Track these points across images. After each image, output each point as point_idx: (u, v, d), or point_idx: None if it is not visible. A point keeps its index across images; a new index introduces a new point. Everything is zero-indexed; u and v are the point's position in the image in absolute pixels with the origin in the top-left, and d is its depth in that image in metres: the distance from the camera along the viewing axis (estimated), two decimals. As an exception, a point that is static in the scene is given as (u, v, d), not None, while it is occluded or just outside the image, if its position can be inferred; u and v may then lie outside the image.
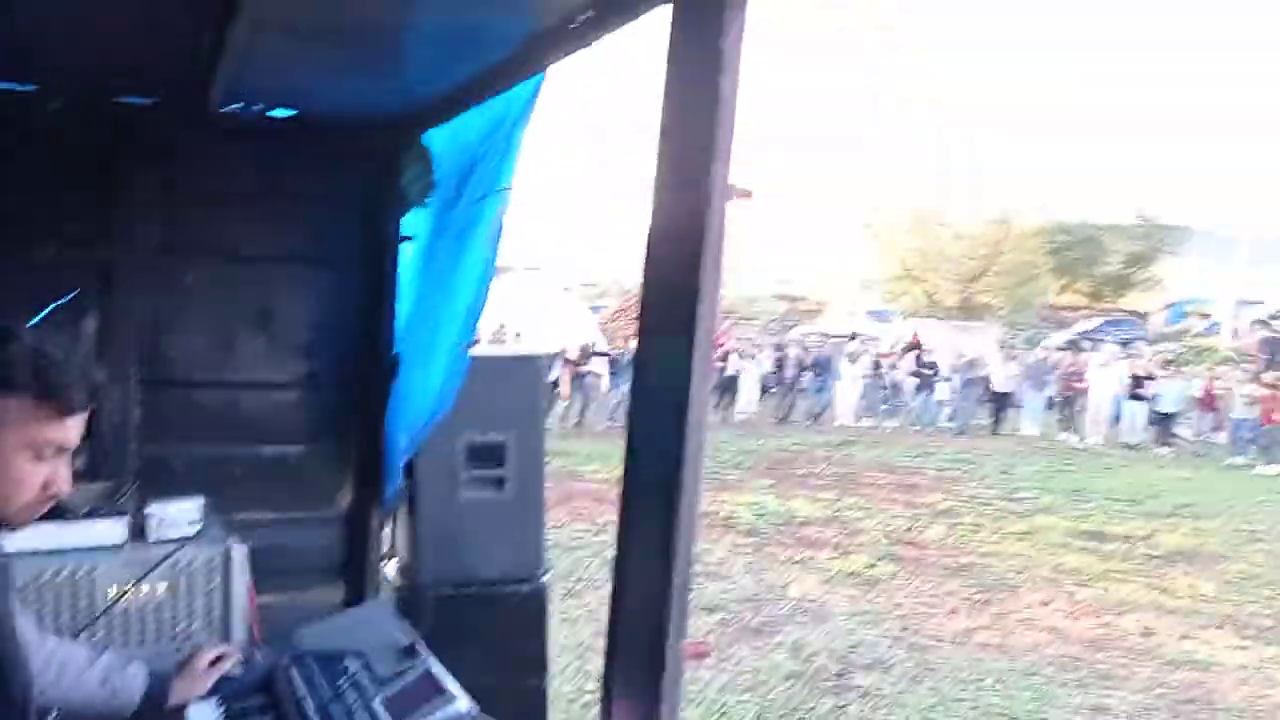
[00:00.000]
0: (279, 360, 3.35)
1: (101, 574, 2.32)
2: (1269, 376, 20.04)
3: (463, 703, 1.86)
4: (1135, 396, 20.12)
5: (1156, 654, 8.04)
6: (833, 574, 9.93)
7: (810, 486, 14.12)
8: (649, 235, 1.53)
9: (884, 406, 22.22)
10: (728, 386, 20.82)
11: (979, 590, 9.62)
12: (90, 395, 1.53)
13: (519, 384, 3.35)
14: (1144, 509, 13.70)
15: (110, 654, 2.10)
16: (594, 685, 6.79)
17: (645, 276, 1.54)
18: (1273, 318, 31.21)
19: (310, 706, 1.98)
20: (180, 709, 2.11)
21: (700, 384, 1.45)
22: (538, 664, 3.29)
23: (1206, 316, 35.79)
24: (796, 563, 10.14)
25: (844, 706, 6.72)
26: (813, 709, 6.64)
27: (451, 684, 1.93)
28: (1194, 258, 37.25)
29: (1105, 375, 21.01)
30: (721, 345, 22.57)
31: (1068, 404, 21.36)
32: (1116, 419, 20.49)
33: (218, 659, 2.22)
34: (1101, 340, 30.94)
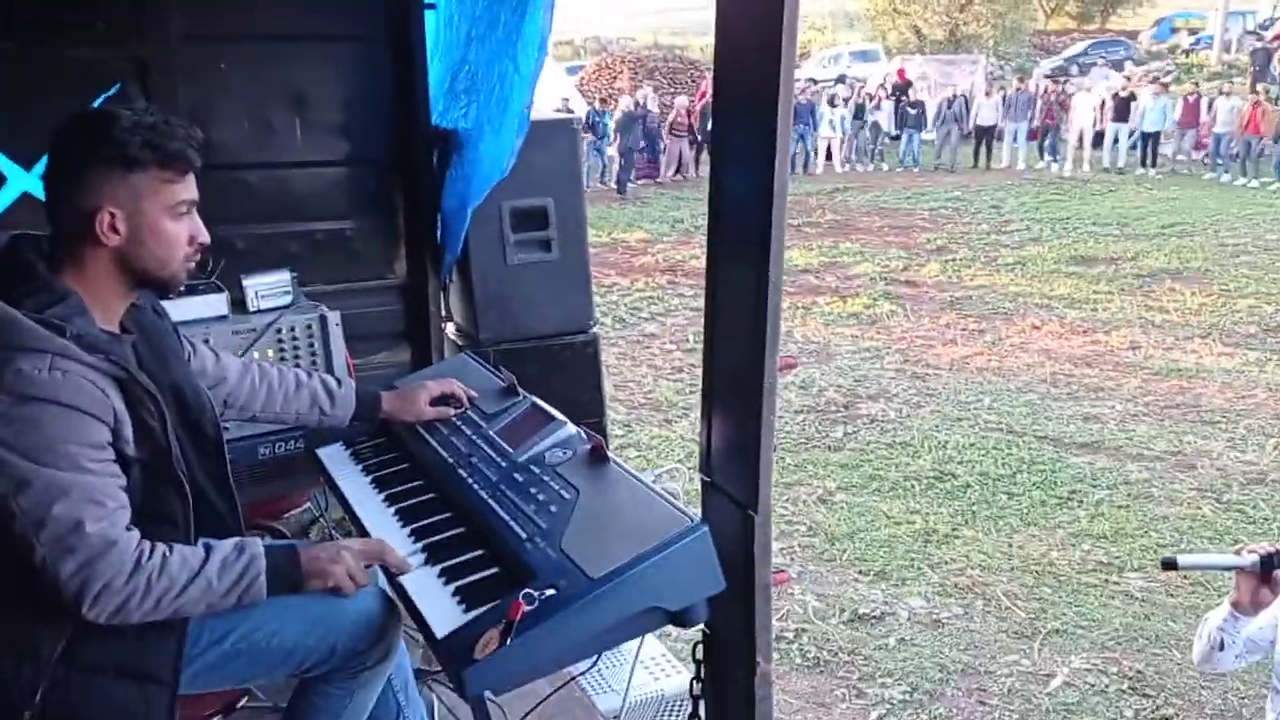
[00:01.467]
0: (319, 139, 3.48)
1: (215, 342, 2.55)
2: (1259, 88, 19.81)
3: (570, 426, 2.14)
4: (1119, 119, 19.87)
5: (1144, 366, 8.54)
6: (834, 316, 10.34)
7: (805, 235, 14.35)
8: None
9: (871, 149, 21.97)
10: (696, 144, 20.33)
11: (974, 320, 10.06)
12: (199, 151, 1.70)
13: (555, 148, 3.47)
14: (1130, 231, 14.01)
15: (319, 378, 2.26)
16: (630, 422, 7.33)
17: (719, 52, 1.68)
18: (1263, 27, 30.39)
19: (434, 441, 2.26)
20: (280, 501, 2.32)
21: (783, 150, 1.62)
22: (596, 405, 3.59)
23: (1196, 31, 34.86)
24: (800, 308, 10.51)
25: (854, 433, 7.25)
26: (826, 437, 7.17)
27: (556, 412, 2.21)
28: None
29: (1086, 100, 20.59)
30: (703, 97, 22.14)
31: (1050, 133, 21.05)
32: (1100, 143, 20.29)
33: (444, 398, 2.35)
34: (1091, 64, 30.33)
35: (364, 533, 2.05)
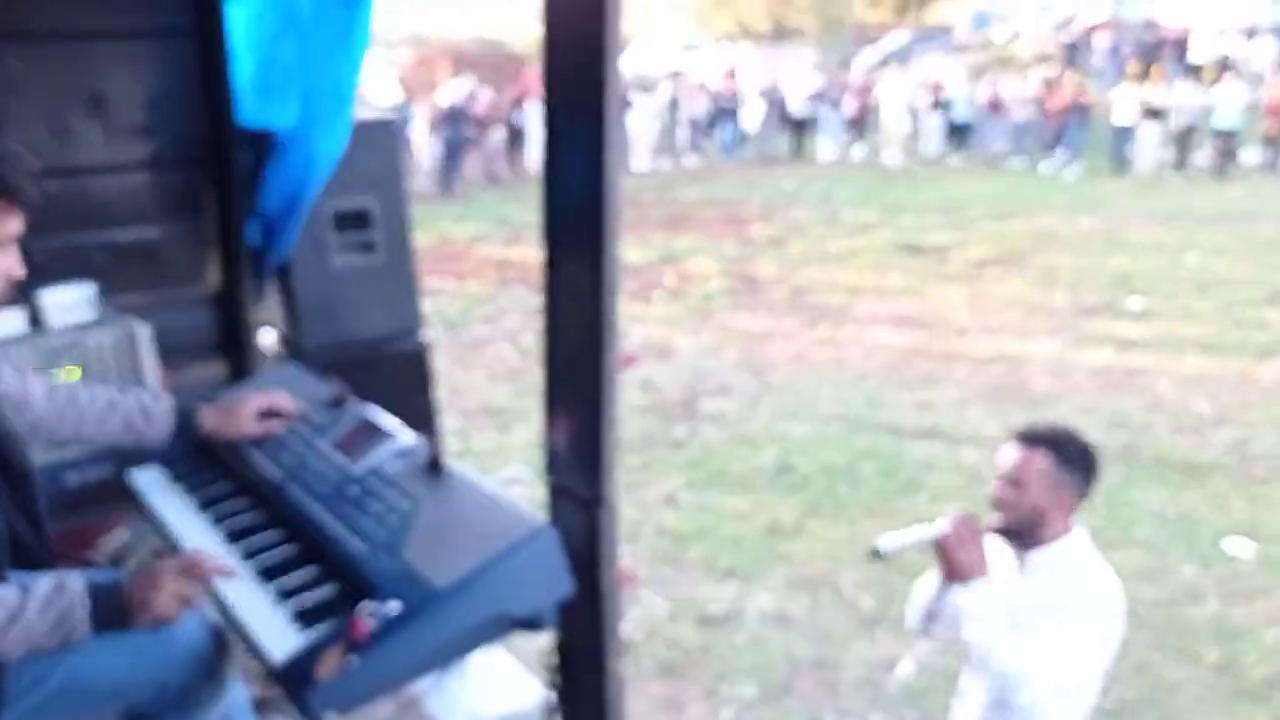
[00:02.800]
0: (120, 142, 3.26)
1: (14, 364, 2.34)
2: (1056, 77, 21.14)
3: (406, 434, 2.06)
4: (931, 108, 20.81)
5: (972, 352, 8.94)
6: (671, 312, 10.43)
7: (640, 229, 14.42)
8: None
9: (684, 142, 22.06)
10: (515, 138, 19.85)
11: (810, 312, 10.33)
12: (34, 184, 1.58)
13: (376, 148, 3.36)
14: (954, 219, 14.63)
15: (134, 396, 2.12)
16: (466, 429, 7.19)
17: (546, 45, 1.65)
18: (1069, 21, 32.18)
19: (261, 456, 2.13)
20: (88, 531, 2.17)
21: (614, 143, 1.60)
22: (427, 416, 3.49)
23: (1005, 20, 36.65)
24: (639, 304, 10.55)
25: (696, 430, 7.31)
26: (668, 435, 7.21)
27: (390, 422, 2.12)
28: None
29: (896, 90, 21.36)
30: (527, 91, 21.91)
31: (861, 123, 21.79)
32: (915, 134, 21.16)
33: (269, 411, 2.23)
34: (910, 56, 31.57)
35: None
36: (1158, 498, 6.08)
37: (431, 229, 13.92)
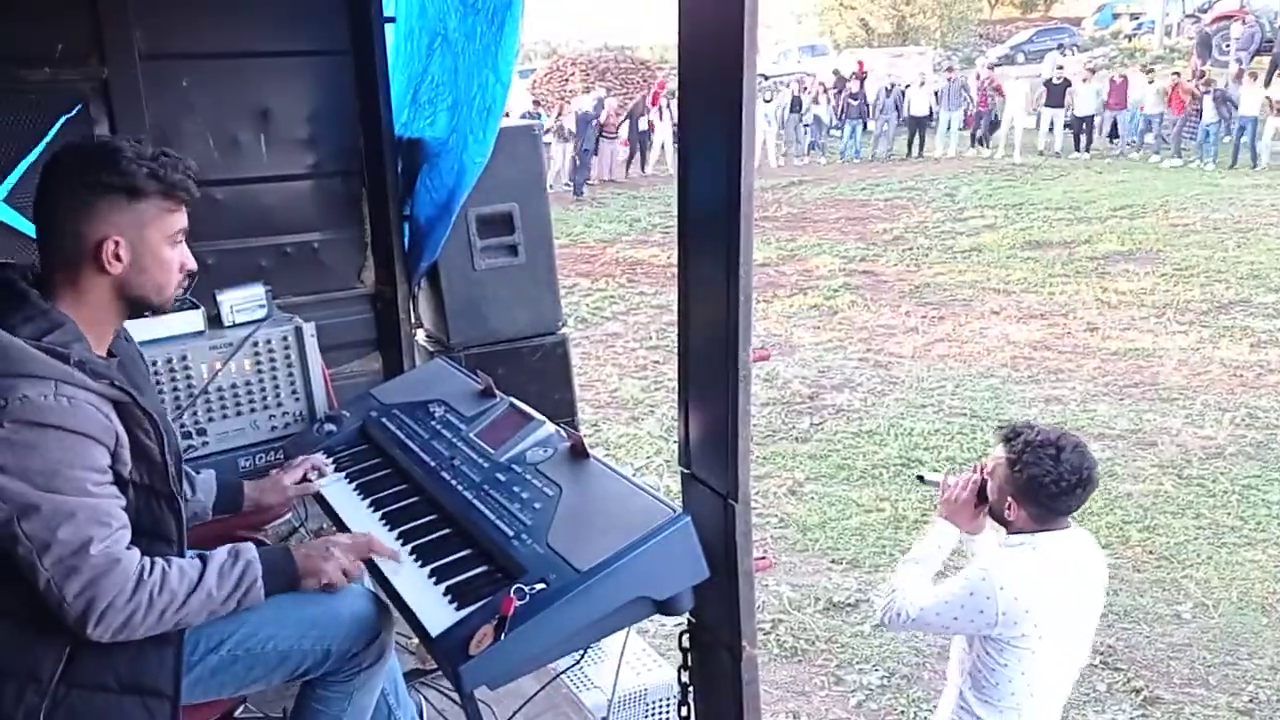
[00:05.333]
0: (284, 153, 3.48)
1: (193, 358, 2.58)
2: (1189, 71, 20.24)
3: (549, 425, 2.19)
4: (1053, 104, 20.29)
5: (1101, 347, 8.72)
6: (795, 309, 10.45)
7: (763, 229, 14.44)
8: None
9: (810, 142, 22.17)
10: (638, 144, 20.60)
11: (933, 308, 10.20)
12: (195, 182, 1.76)
13: (519, 154, 3.51)
14: (1082, 215, 14.23)
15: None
16: (597, 421, 7.37)
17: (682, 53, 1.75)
18: (1202, 10, 30.88)
19: (415, 445, 2.30)
20: (260, 513, 2.31)
21: (748, 146, 1.69)
22: (568, 405, 3.64)
23: (1137, 16, 35.43)
24: (761, 302, 10.60)
25: (820, 424, 7.34)
26: (793, 428, 7.26)
27: (534, 412, 2.26)
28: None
29: (1016, 87, 20.91)
30: (656, 99, 22.22)
31: (983, 120, 21.47)
32: (1035, 130, 20.69)
33: (303, 479, 2.34)
34: (1038, 52, 30.76)
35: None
36: (1294, 496, 5.86)
37: (564, 231, 14.27)
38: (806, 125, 22.23)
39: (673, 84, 25.44)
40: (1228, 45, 24.39)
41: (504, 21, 2.98)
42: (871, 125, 22.27)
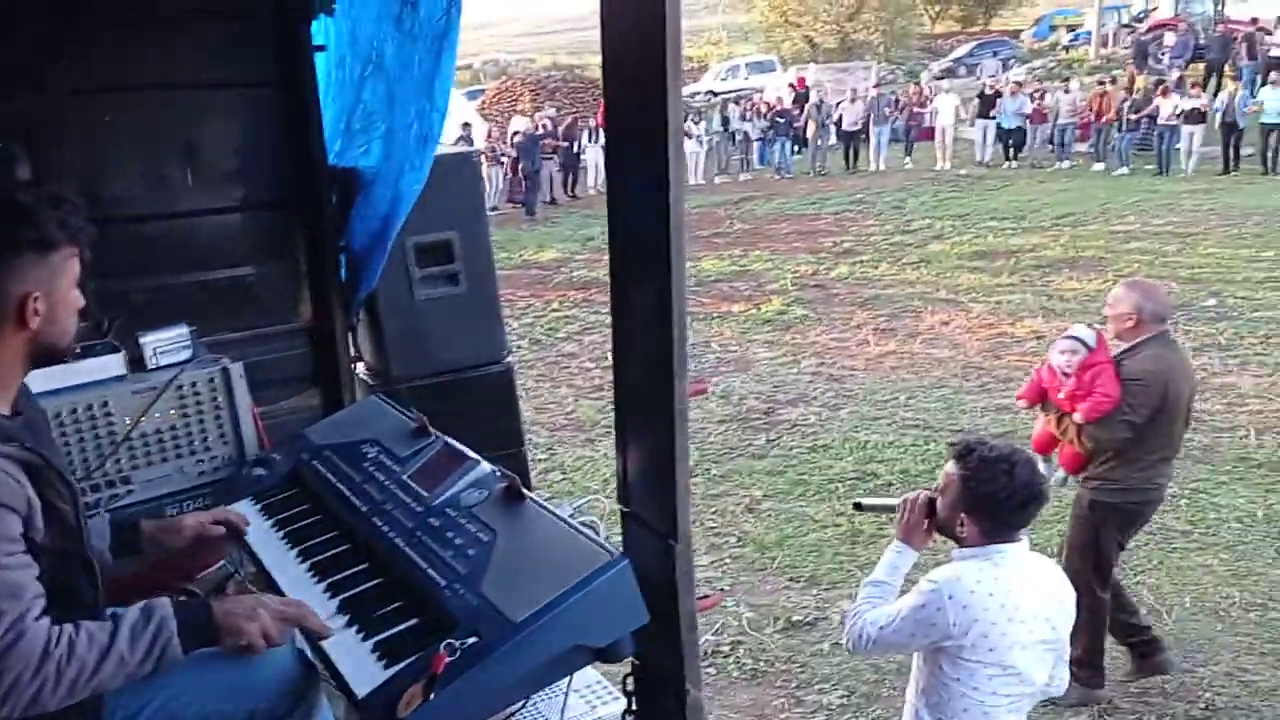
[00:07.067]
0: (214, 186, 3.39)
1: (115, 405, 2.48)
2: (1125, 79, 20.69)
3: (484, 464, 2.12)
4: (984, 115, 20.71)
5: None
6: (749, 324, 10.44)
7: (716, 245, 14.47)
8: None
9: (740, 159, 22.30)
10: (570, 164, 20.51)
11: (885, 319, 10.24)
12: (91, 227, 1.74)
13: (457, 181, 3.45)
14: (1026, 224, 14.38)
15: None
16: (553, 444, 7.29)
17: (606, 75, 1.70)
18: (1137, 19, 31.53)
19: (346, 489, 2.22)
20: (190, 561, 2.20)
21: (676, 169, 1.64)
22: (514, 436, 3.57)
23: (1075, 28, 36.16)
24: (715, 318, 10.60)
25: (776, 439, 7.31)
26: (749, 445, 7.23)
27: (468, 451, 2.19)
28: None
29: (947, 100, 21.28)
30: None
31: (911, 132, 21.89)
32: (966, 141, 21.11)
33: (214, 538, 2.16)
34: (977, 64, 31.30)
35: (279, 592, 1.99)
36: (1243, 498, 5.93)
37: (517, 252, 14.20)
38: (739, 142, 22.34)
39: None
40: (1163, 53, 24.92)
41: (440, 50, 2.94)
42: (802, 140, 22.44)
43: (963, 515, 2.55)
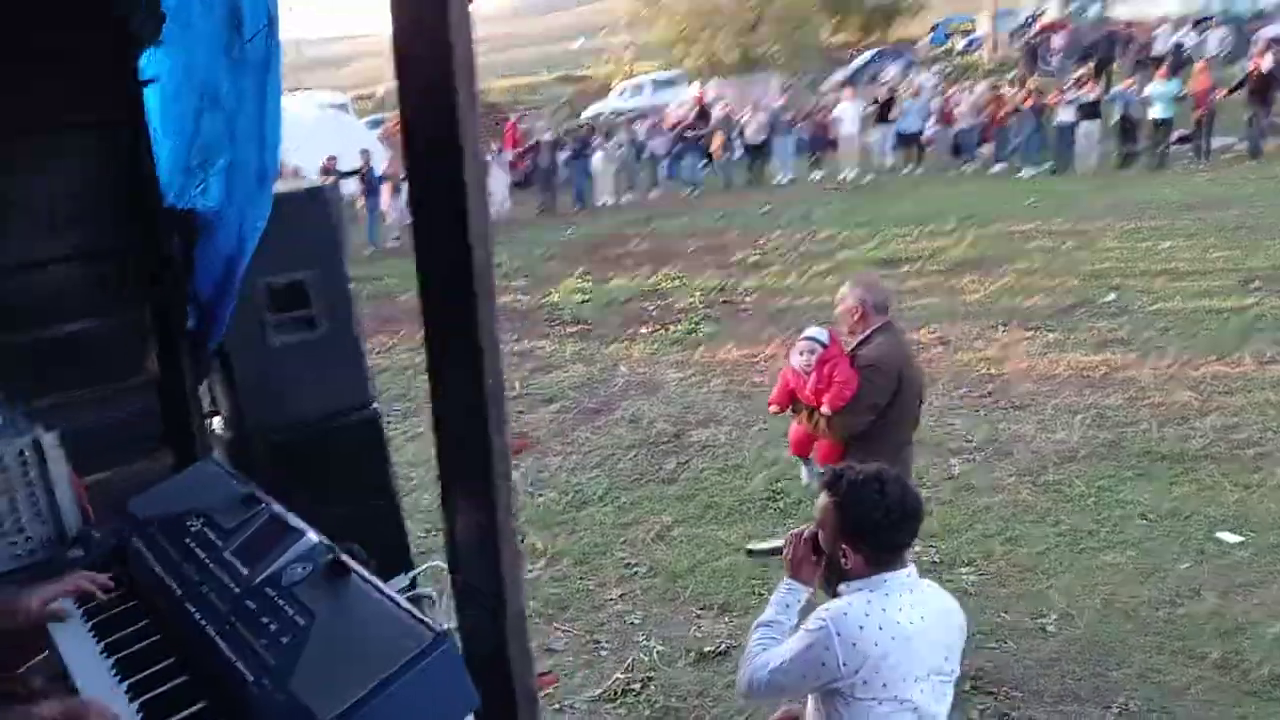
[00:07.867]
0: (44, 235, 3.14)
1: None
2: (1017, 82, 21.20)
3: (311, 535, 1.92)
4: (882, 121, 20.95)
5: (954, 360, 8.82)
6: (658, 345, 10.32)
7: (625, 265, 14.35)
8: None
9: (648, 176, 22.18)
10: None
11: (795, 332, 10.17)
12: None
13: (310, 219, 3.25)
14: (928, 229, 14.51)
15: None
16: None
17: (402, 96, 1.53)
18: (1027, 25, 32.48)
19: (163, 570, 2.00)
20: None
21: (477, 193, 1.48)
22: (383, 488, 3.36)
23: (969, 33, 37.15)
24: (624, 341, 10.46)
25: (686, 462, 7.18)
26: (659, 470, 7.08)
27: (296, 521, 1.99)
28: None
29: (849, 108, 21.48)
30: (514, 142, 22.06)
31: (815, 144, 22.02)
32: (868, 148, 21.29)
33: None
34: (877, 73, 31.91)
35: (76, 692, 1.77)
36: (1148, 493, 5.95)
37: (408, 284, 13.82)
38: (644, 160, 22.22)
39: (524, 124, 25.38)
40: (1051, 55, 25.68)
41: (265, 84, 2.75)
42: (708, 155, 22.29)
43: (843, 545, 2.46)
